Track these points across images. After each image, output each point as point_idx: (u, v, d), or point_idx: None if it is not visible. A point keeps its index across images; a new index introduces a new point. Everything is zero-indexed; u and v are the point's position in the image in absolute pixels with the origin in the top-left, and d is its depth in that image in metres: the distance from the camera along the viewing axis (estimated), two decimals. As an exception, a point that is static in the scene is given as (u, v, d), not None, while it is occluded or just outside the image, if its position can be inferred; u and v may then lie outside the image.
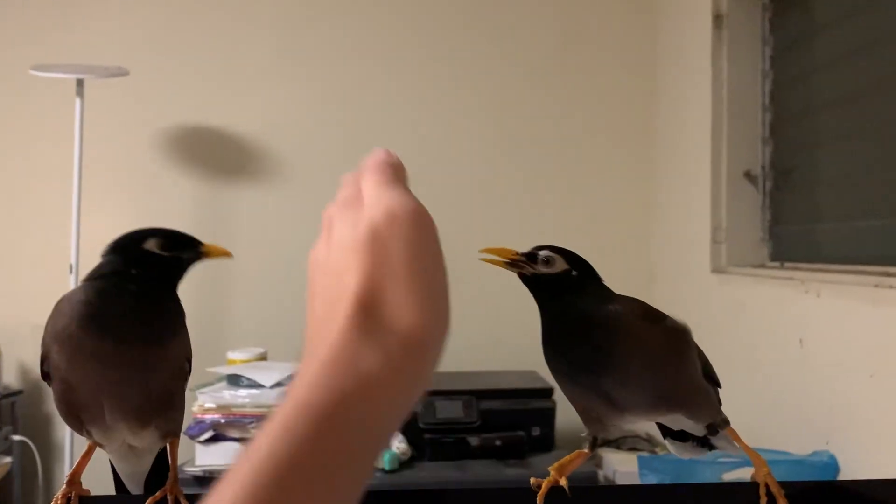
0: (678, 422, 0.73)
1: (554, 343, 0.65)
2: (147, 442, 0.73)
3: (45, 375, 0.69)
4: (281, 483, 0.30)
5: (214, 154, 2.55)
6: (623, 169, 2.59)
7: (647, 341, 0.63)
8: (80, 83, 2.24)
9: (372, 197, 0.38)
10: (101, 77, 2.24)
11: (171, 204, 2.50)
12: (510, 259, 0.67)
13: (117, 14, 2.52)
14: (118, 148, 2.50)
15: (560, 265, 0.66)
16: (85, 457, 0.71)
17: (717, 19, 2.07)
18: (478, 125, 2.58)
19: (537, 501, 0.69)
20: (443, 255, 0.38)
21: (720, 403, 0.75)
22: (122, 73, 2.24)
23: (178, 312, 0.70)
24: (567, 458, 0.72)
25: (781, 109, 1.98)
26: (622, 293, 0.68)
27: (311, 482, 0.31)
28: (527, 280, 0.67)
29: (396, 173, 0.40)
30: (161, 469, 0.77)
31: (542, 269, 0.66)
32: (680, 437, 0.77)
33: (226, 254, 0.71)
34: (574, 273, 0.66)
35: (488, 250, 0.66)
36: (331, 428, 0.32)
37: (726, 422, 0.71)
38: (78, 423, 0.70)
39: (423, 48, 2.58)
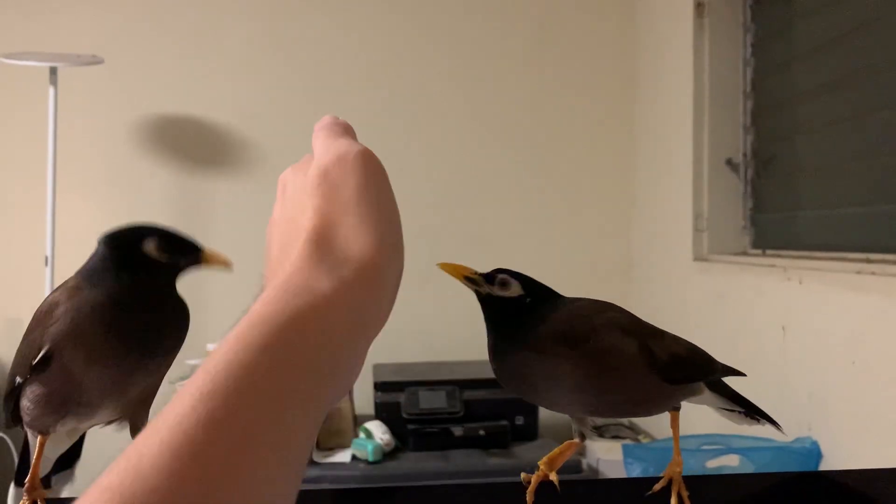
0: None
1: (494, 360, 0.69)
2: (98, 425, 0.72)
3: (36, 368, 0.64)
4: (235, 386, 0.30)
5: (191, 144, 2.51)
6: (604, 157, 2.58)
7: (562, 366, 0.65)
8: (53, 72, 2.19)
9: (320, 148, 0.42)
10: (75, 65, 2.20)
11: (147, 194, 2.46)
12: (467, 276, 0.69)
13: (91, 1, 2.47)
14: (93, 138, 2.46)
15: (515, 290, 0.68)
16: (38, 458, 0.68)
17: (699, 7, 2.06)
18: (456, 114, 2.56)
19: (527, 497, 0.68)
20: (391, 190, 0.41)
21: (712, 384, 0.74)
22: (96, 61, 2.20)
23: (187, 317, 0.69)
24: (556, 450, 0.71)
25: (763, 97, 1.98)
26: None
27: (262, 389, 0.31)
28: (480, 298, 0.69)
29: (344, 129, 0.43)
30: (73, 447, 0.76)
31: (497, 292, 0.68)
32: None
33: (226, 263, 0.68)
34: (528, 300, 0.68)
35: (444, 266, 0.68)
36: (283, 339, 0.32)
37: (676, 408, 0.73)
38: (59, 417, 0.66)
39: (401, 39, 2.56)
